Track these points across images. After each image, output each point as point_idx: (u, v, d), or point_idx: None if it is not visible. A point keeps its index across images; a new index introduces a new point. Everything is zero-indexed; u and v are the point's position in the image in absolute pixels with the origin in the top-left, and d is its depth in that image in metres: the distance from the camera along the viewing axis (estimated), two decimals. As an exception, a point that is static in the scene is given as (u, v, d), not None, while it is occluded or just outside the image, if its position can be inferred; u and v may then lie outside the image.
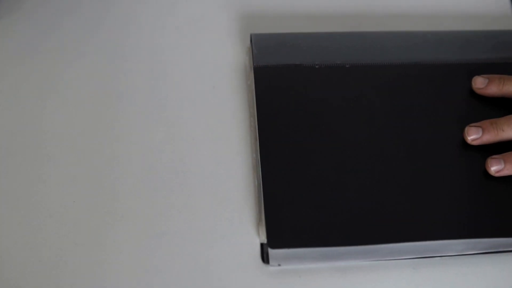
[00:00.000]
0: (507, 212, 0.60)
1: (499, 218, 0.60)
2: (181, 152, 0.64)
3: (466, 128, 0.63)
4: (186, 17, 0.73)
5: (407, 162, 0.62)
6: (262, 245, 0.59)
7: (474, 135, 0.62)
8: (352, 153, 0.63)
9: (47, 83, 0.68)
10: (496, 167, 0.61)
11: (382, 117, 0.65)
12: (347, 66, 0.68)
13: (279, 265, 0.58)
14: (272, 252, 0.57)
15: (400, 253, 0.59)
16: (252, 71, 0.67)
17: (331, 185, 0.61)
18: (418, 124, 0.65)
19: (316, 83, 0.67)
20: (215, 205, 0.62)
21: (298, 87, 0.66)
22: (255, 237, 0.60)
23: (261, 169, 0.61)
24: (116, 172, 0.62)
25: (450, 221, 0.60)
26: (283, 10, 0.74)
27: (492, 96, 0.66)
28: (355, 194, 0.61)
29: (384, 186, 0.61)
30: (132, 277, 0.58)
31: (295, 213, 0.59)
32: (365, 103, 0.66)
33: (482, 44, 0.71)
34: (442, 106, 0.66)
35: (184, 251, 0.59)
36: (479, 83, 0.66)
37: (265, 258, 0.59)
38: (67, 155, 0.64)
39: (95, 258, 0.59)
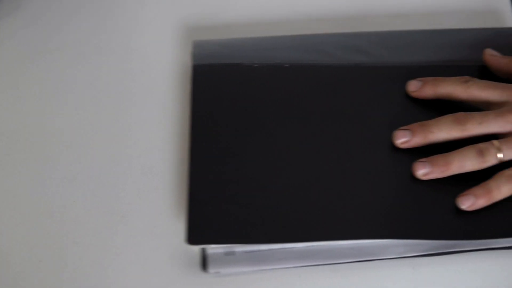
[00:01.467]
0: (444, 214, 0.60)
1: (436, 220, 0.60)
2: (118, 151, 0.66)
3: (395, 132, 0.63)
4: (134, 24, 0.75)
5: (339, 163, 0.63)
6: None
7: (402, 139, 0.62)
8: (284, 152, 0.63)
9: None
10: (422, 171, 0.61)
11: (316, 117, 0.65)
12: (286, 65, 0.68)
13: (218, 272, 0.59)
14: (209, 255, 0.59)
15: (337, 256, 0.59)
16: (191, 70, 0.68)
17: (259, 183, 0.62)
18: (352, 126, 0.64)
19: (253, 82, 0.67)
20: (146, 206, 0.63)
21: (236, 86, 0.67)
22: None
23: (189, 165, 0.62)
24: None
25: (384, 221, 0.60)
26: (230, 20, 0.74)
27: (426, 98, 0.65)
28: (284, 193, 0.61)
29: (315, 186, 0.61)
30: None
31: (219, 210, 0.60)
32: (301, 102, 0.66)
33: (426, 44, 0.70)
34: (379, 108, 0.66)
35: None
36: (413, 86, 0.65)
37: (203, 264, 0.59)
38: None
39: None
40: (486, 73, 0.67)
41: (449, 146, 0.62)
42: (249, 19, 0.74)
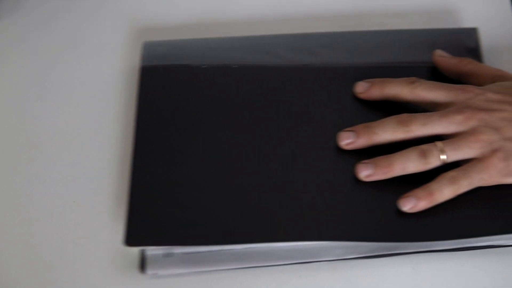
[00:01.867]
0: (385, 216, 0.59)
1: (377, 221, 0.59)
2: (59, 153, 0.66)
3: (339, 133, 0.62)
4: (85, 24, 0.75)
5: (283, 165, 0.62)
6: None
7: (346, 140, 0.62)
8: (227, 154, 0.63)
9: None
10: (365, 173, 0.60)
11: (263, 119, 0.65)
12: (234, 66, 0.68)
13: (156, 273, 0.58)
14: (148, 256, 0.58)
15: (278, 258, 0.58)
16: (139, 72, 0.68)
17: (200, 185, 0.61)
18: (299, 127, 0.64)
19: (201, 83, 0.67)
20: (87, 207, 0.63)
21: (183, 87, 0.67)
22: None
23: (131, 167, 0.62)
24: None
25: (326, 223, 0.59)
26: (183, 21, 0.74)
27: (374, 100, 0.64)
28: (224, 195, 0.61)
29: (257, 188, 0.61)
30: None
31: (158, 212, 0.60)
32: (248, 104, 0.66)
33: (376, 45, 0.69)
34: (327, 109, 0.65)
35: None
36: (360, 87, 0.65)
37: (141, 266, 0.59)
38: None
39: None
40: (436, 74, 0.67)
41: (394, 148, 0.61)
42: (201, 20, 0.74)
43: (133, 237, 0.58)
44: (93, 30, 0.74)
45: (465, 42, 0.70)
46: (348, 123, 0.63)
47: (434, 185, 0.59)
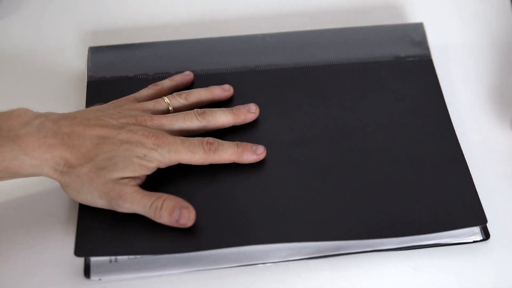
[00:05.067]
0: (328, 216, 0.59)
1: (320, 222, 0.59)
2: None
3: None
4: (34, 27, 0.74)
5: (227, 171, 0.62)
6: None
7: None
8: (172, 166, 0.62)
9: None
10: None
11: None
12: None
13: (100, 279, 0.58)
14: (92, 262, 0.58)
15: (221, 261, 0.58)
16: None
17: None
18: (243, 132, 0.64)
19: None
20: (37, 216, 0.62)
21: None
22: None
23: None
24: None
25: (271, 226, 0.59)
26: (132, 24, 0.75)
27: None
28: None
29: (202, 196, 0.61)
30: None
31: (106, 223, 0.59)
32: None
33: (322, 44, 0.70)
34: (273, 111, 0.65)
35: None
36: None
37: (86, 271, 0.59)
38: None
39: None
40: (382, 69, 0.67)
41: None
42: (151, 22, 0.74)
43: (82, 248, 0.58)
44: (41, 33, 0.74)
45: (412, 37, 0.69)
46: (294, 125, 0.64)
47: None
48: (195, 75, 0.68)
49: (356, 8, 0.74)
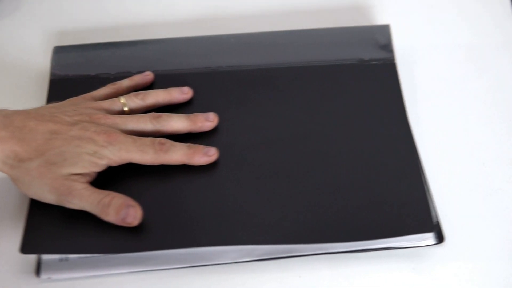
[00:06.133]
0: (279, 219, 0.59)
1: (271, 224, 0.59)
2: None
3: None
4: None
5: (179, 173, 0.62)
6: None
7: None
8: (127, 167, 0.61)
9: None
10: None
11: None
12: None
13: (50, 277, 0.58)
14: (43, 260, 0.58)
15: (171, 261, 0.58)
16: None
17: None
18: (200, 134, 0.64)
19: None
20: None
21: None
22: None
23: None
24: None
25: (219, 228, 0.59)
26: (98, 24, 0.75)
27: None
28: None
29: (153, 196, 0.60)
30: None
31: (55, 221, 0.59)
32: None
33: (284, 45, 0.69)
34: (235, 113, 0.65)
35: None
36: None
37: (37, 270, 0.58)
38: None
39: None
40: (345, 71, 0.67)
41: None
42: (118, 23, 0.74)
43: (28, 245, 0.58)
44: (10, 34, 0.74)
45: (377, 39, 0.69)
46: (252, 127, 0.64)
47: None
48: (156, 76, 0.68)
49: (323, 9, 0.74)
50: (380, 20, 0.72)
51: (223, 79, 0.67)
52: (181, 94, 0.66)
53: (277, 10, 0.74)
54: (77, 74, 0.68)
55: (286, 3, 0.74)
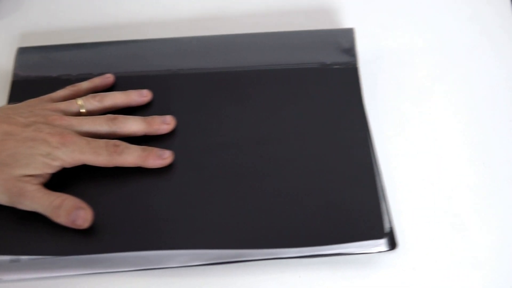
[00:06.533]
0: (230, 224, 0.59)
1: (222, 229, 0.59)
2: None
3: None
4: None
5: (129, 176, 0.61)
6: None
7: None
8: (87, 168, 0.61)
9: None
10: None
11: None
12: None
13: (0, 279, 0.58)
14: None
15: (123, 264, 0.58)
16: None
17: None
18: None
19: None
20: None
21: None
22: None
23: None
24: None
25: (170, 231, 0.59)
26: (65, 25, 0.74)
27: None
28: None
29: (106, 198, 0.60)
30: None
31: (9, 221, 0.59)
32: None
33: (248, 48, 0.69)
34: (196, 116, 0.65)
35: None
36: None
37: None
38: None
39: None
40: (307, 75, 0.66)
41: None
42: (84, 24, 0.74)
43: None
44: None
45: (340, 43, 0.68)
46: (211, 130, 0.64)
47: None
48: (117, 78, 0.67)
49: (288, 12, 0.73)
50: (346, 24, 0.72)
51: (183, 82, 0.67)
52: (140, 96, 0.65)
53: (241, 12, 0.73)
54: (39, 75, 0.68)
55: (251, 5, 0.74)
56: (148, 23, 0.74)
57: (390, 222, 0.59)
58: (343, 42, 0.68)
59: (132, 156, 0.61)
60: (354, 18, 0.72)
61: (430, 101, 0.67)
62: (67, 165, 0.60)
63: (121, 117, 0.63)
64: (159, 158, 0.61)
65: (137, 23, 0.74)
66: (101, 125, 0.62)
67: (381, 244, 0.58)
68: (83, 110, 0.63)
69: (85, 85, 0.66)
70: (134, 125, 0.63)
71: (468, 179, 0.63)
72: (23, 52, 0.70)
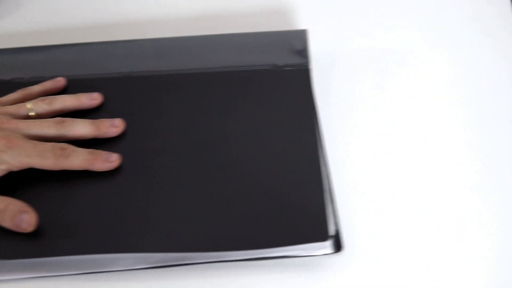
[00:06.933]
0: (174, 227, 0.59)
1: (165, 232, 0.58)
2: None
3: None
4: None
5: (63, 181, 0.61)
6: None
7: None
8: (39, 172, 0.61)
9: None
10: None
11: None
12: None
13: None
14: None
15: (67, 268, 0.58)
16: None
17: None
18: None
19: None
20: None
21: None
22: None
23: None
24: None
25: (114, 235, 0.59)
26: (20, 28, 0.74)
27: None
28: None
29: (48, 199, 0.60)
30: None
31: None
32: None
33: (202, 50, 0.69)
34: (153, 119, 0.65)
35: None
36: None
37: None
38: None
39: None
40: (259, 77, 0.66)
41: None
42: (38, 27, 0.74)
43: None
44: None
45: (293, 44, 0.68)
46: (160, 133, 0.64)
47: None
48: (69, 81, 0.67)
49: (243, 14, 0.73)
50: (303, 25, 0.71)
51: (135, 85, 0.67)
52: (90, 99, 0.65)
53: (194, 14, 0.73)
54: None
55: (205, 7, 0.73)
56: (100, 26, 0.74)
57: (336, 224, 0.58)
58: (296, 43, 0.68)
59: (79, 159, 0.61)
60: (310, 20, 0.72)
61: (383, 102, 0.67)
62: (14, 169, 0.60)
63: (69, 120, 0.63)
64: (106, 161, 0.61)
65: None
66: (49, 128, 0.62)
67: (327, 246, 0.57)
68: (32, 113, 0.63)
69: (36, 88, 0.66)
70: (83, 128, 0.63)
71: (420, 181, 0.63)
72: None
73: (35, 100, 0.64)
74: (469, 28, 0.72)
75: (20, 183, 0.61)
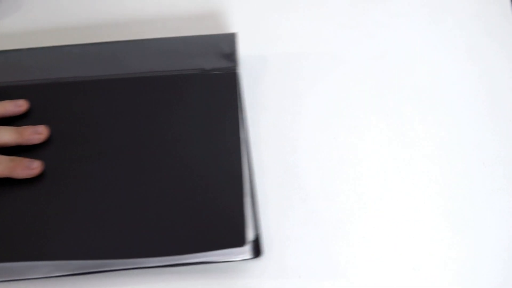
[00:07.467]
0: (92, 234, 0.59)
1: (84, 239, 0.58)
2: None
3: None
4: None
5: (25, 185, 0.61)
6: None
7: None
8: None
9: None
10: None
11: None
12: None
13: None
14: None
15: None
16: None
17: None
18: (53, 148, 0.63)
19: None
20: None
21: None
22: None
23: None
24: None
25: (31, 242, 0.58)
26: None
27: None
28: None
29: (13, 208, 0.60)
30: None
31: None
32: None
33: (129, 55, 0.68)
34: (79, 126, 0.64)
35: None
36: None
37: None
38: None
39: None
40: (187, 81, 0.66)
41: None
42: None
43: None
44: None
45: (222, 48, 0.68)
46: (86, 139, 0.63)
47: None
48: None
49: (175, 17, 0.72)
50: (235, 28, 0.71)
51: (62, 91, 0.66)
52: (15, 107, 0.65)
53: (124, 19, 0.73)
54: None
55: (137, 12, 0.73)
56: (28, 32, 0.73)
57: (257, 229, 0.58)
58: (224, 47, 0.68)
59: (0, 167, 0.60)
60: (243, 23, 0.71)
61: (313, 104, 0.67)
62: None
63: None
64: (27, 168, 0.61)
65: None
66: None
67: (245, 252, 0.57)
68: None
69: None
70: (5, 135, 0.62)
71: (353, 183, 0.62)
72: None
73: None
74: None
75: None
